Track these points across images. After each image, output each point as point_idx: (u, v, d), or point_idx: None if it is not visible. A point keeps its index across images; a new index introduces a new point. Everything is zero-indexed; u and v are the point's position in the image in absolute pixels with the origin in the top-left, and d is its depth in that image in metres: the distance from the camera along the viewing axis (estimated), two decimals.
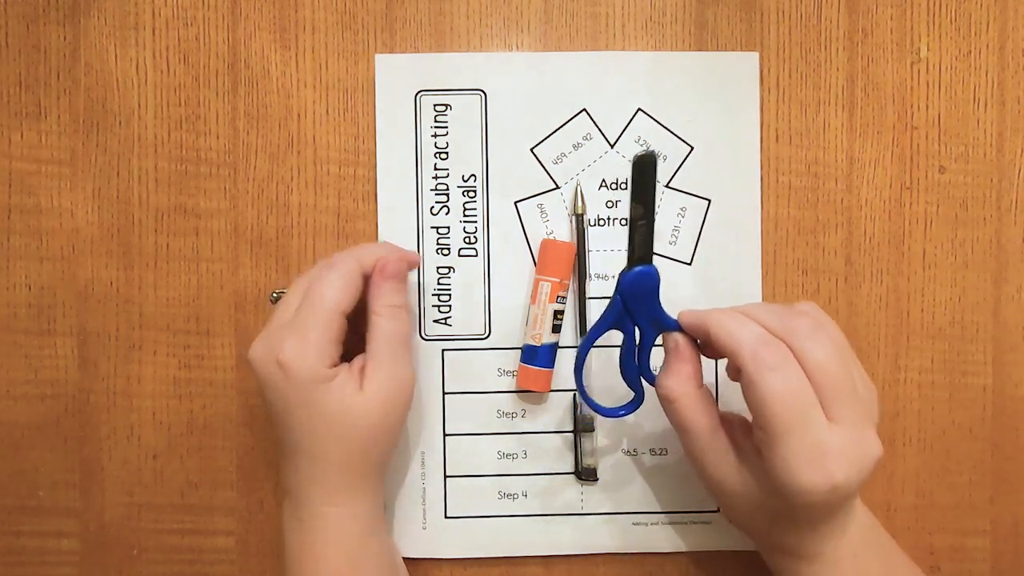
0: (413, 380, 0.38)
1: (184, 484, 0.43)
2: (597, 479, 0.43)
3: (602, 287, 0.43)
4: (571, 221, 0.43)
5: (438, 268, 0.43)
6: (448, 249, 0.43)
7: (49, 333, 0.43)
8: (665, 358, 0.37)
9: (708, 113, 0.43)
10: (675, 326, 0.37)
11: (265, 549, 0.44)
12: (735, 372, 0.35)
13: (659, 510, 0.43)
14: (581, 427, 0.43)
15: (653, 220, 0.38)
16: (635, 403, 0.39)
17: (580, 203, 0.42)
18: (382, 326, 0.37)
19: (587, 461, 0.43)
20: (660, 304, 0.37)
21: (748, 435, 0.36)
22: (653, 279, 0.37)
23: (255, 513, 0.44)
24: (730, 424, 0.37)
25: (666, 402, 0.37)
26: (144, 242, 0.43)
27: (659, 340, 0.38)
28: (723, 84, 0.43)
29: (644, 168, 0.38)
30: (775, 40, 0.43)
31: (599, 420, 0.43)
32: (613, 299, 0.38)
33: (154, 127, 0.43)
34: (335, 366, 0.36)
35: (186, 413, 0.43)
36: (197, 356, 0.43)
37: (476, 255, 0.43)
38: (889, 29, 0.44)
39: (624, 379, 0.39)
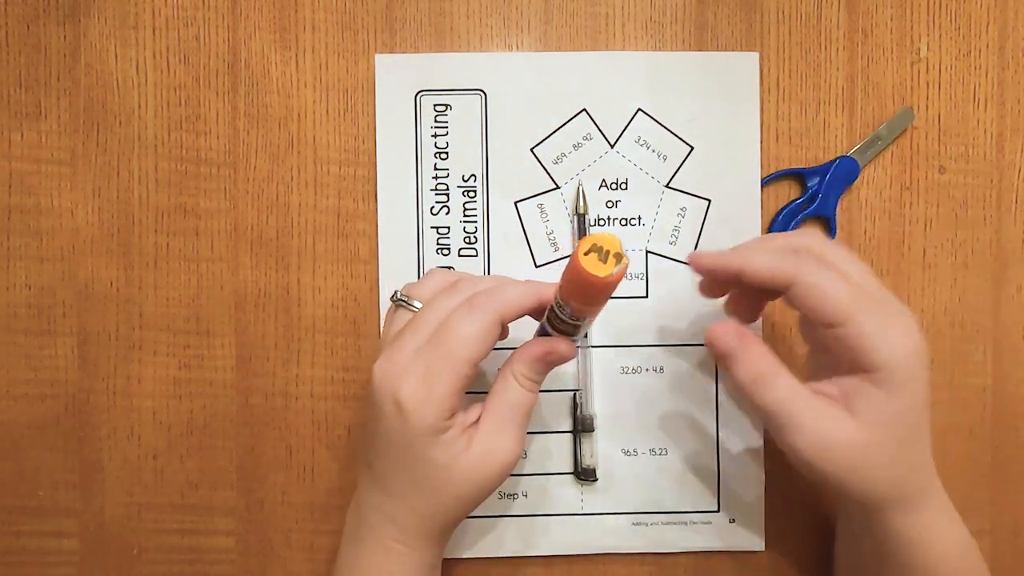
0: (519, 456, 0.36)
1: (184, 484, 0.43)
2: (596, 479, 0.43)
3: None
4: (573, 221, 0.43)
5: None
6: (448, 249, 0.43)
7: (49, 333, 0.43)
8: (729, 352, 0.35)
9: (708, 113, 0.43)
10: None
11: (265, 549, 0.44)
12: (774, 295, 0.37)
13: (659, 510, 0.43)
14: (581, 427, 0.43)
15: None
16: None
17: (582, 203, 0.42)
18: (515, 392, 0.35)
19: (587, 461, 0.43)
20: None
21: (827, 381, 0.35)
22: None
23: (255, 513, 0.44)
24: (811, 388, 0.35)
25: (765, 387, 0.34)
26: (144, 242, 0.43)
27: None
28: (723, 84, 0.43)
29: None
30: (775, 40, 0.43)
31: (599, 421, 0.43)
32: None
33: (154, 127, 0.43)
34: (452, 416, 0.34)
35: (186, 413, 0.43)
36: (197, 356, 0.43)
37: (476, 255, 0.43)
38: (889, 29, 0.44)
39: None
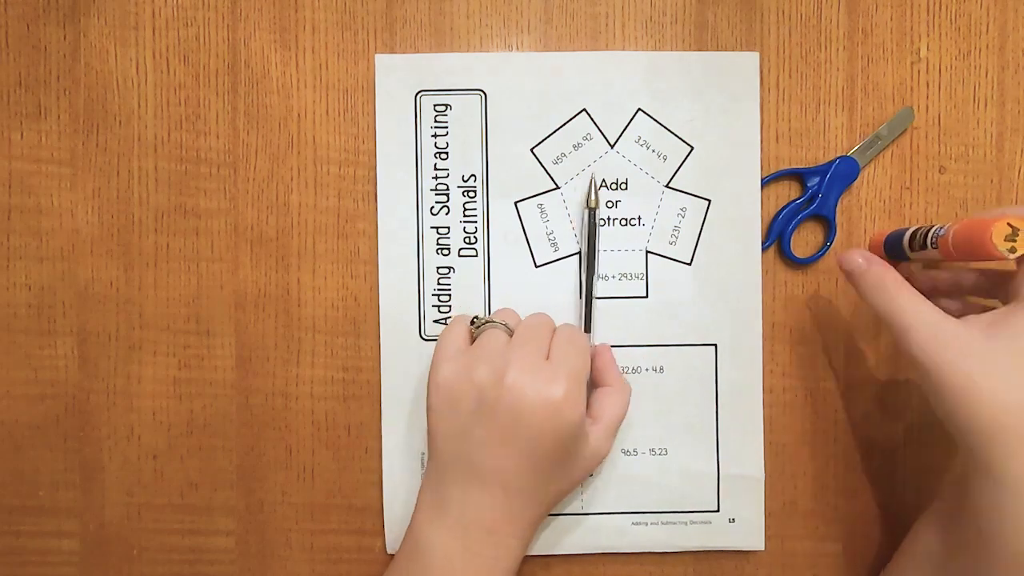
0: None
1: (184, 484, 0.43)
2: (591, 475, 0.43)
3: (600, 287, 0.43)
4: (583, 216, 0.43)
5: (438, 268, 0.43)
6: (448, 249, 0.43)
7: (49, 333, 0.43)
8: (849, 270, 0.38)
9: (709, 113, 0.43)
10: None
11: (265, 549, 0.44)
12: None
13: (658, 510, 0.43)
14: None
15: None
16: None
17: (593, 197, 0.42)
18: (623, 402, 0.41)
19: None
20: None
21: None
22: None
23: (255, 513, 0.44)
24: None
25: (907, 289, 0.36)
26: (144, 242, 0.43)
27: None
28: (724, 84, 0.43)
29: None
30: (775, 40, 0.43)
31: None
32: None
33: (154, 127, 0.43)
34: None
35: (186, 413, 0.43)
36: (197, 356, 0.43)
37: (476, 255, 0.43)
38: (889, 29, 0.44)
39: None
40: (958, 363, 0.33)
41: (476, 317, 0.40)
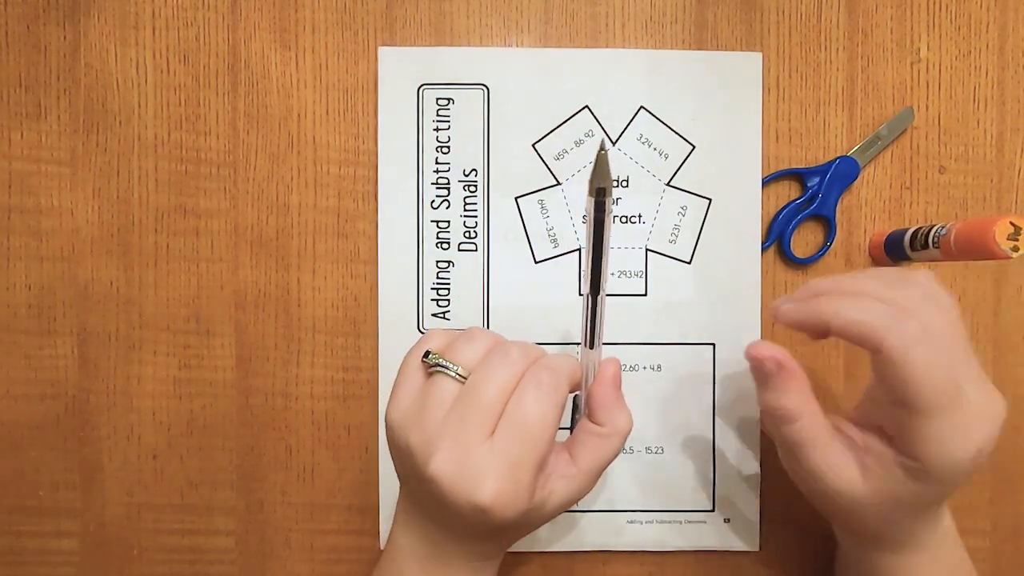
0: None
1: (184, 484, 0.43)
2: None
3: None
4: (590, 204, 0.31)
5: (437, 262, 0.43)
6: (448, 243, 0.43)
7: (49, 333, 0.43)
8: (763, 377, 0.34)
9: (710, 112, 0.43)
10: None
11: (265, 549, 0.44)
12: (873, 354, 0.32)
13: (654, 509, 0.43)
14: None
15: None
16: None
17: (602, 176, 0.30)
18: (611, 449, 0.34)
19: None
20: None
21: (864, 430, 0.34)
22: None
23: (255, 513, 0.44)
24: (838, 426, 0.35)
25: (785, 422, 0.34)
26: (144, 242, 0.43)
27: None
28: (726, 84, 0.43)
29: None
30: (775, 40, 0.43)
31: None
32: None
33: (154, 127, 0.43)
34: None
35: (186, 413, 0.43)
36: (197, 356, 0.43)
37: (476, 250, 0.43)
38: (889, 29, 0.44)
39: None
40: (836, 507, 0.34)
41: (427, 353, 0.33)
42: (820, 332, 0.34)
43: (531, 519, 0.33)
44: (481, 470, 0.30)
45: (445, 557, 0.35)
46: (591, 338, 0.35)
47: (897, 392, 0.31)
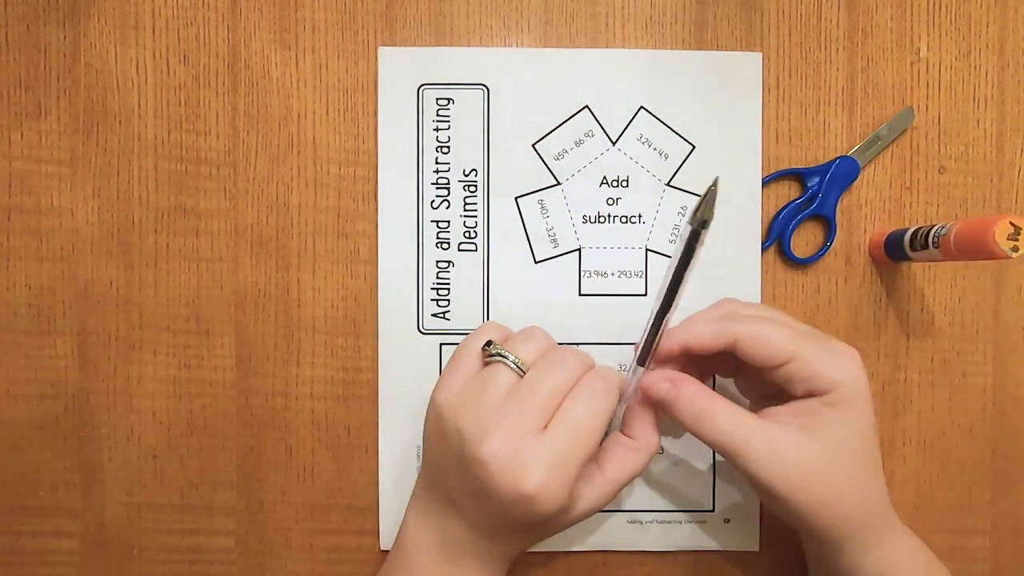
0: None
1: (184, 484, 0.43)
2: None
3: (599, 285, 0.43)
4: (686, 230, 0.33)
5: (437, 262, 0.43)
6: (448, 243, 0.43)
7: (49, 333, 0.43)
8: (660, 399, 0.36)
9: (711, 113, 0.43)
10: None
11: (265, 549, 0.44)
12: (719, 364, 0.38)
13: (654, 509, 0.43)
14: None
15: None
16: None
17: (708, 209, 0.32)
18: (638, 464, 0.36)
19: None
20: None
21: (766, 409, 0.36)
22: None
23: (255, 513, 0.44)
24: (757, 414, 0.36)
25: (701, 424, 0.35)
26: (144, 242, 0.43)
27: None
28: (726, 84, 0.43)
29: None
30: (775, 40, 0.43)
31: None
32: None
33: (154, 127, 0.43)
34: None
35: (186, 413, 0.43)
36: (197, 356, 0.43)
37: (476, 250, 0.43)
38: (889, 29, 0.44)
39: None
40: (800, 484, 0.34)
41: (489, 343, 0.36)
42: (682, 357, 0.37)
43: (559, 520, 0.35)
44: (532, 460, 0.32)
45: (458, 556, 0.35)
46: (646, 355, 0.36)
47: (768, 357, 0.34)
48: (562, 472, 0.32)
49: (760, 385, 0.38)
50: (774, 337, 0.34)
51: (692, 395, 0.35)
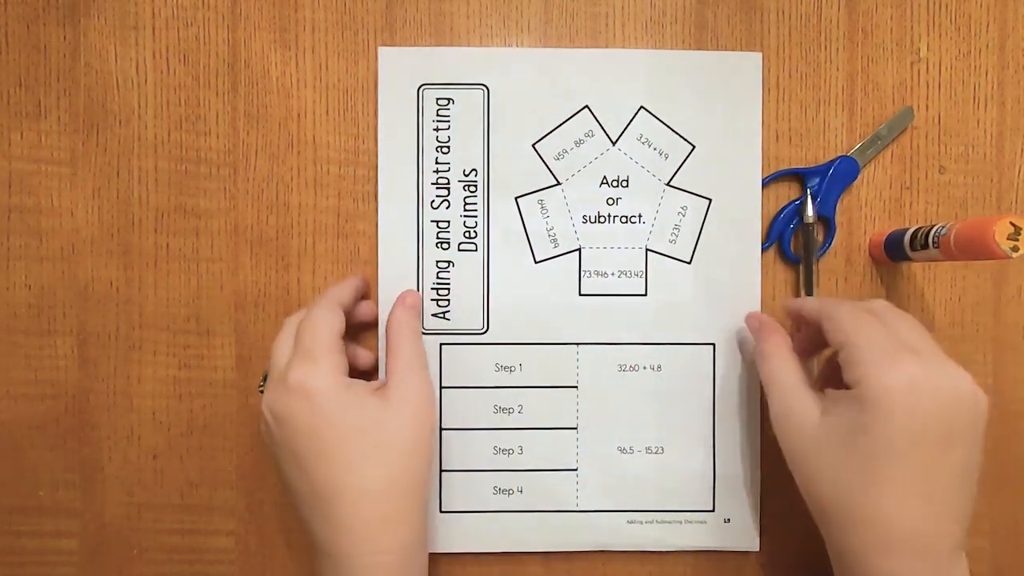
0: (435, 398, 0.39)
1: (184, 484, 0.43)
2: (585, 472, 0.43)
3: (599, 284, 0.43)
4: (803, 229, 0.43)
5: (437, 262, 0.43)
6: (448, 243, 0.43)
7: (49, 333, 0.43)
8: (753, 333, 0.41)
9: (711, 112, 0.43)
10: None
11: (265, 549, 0.44)
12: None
13: (654, 509, 0.43)
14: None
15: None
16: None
17: (810, 213, 0.43)
18: (403, 347, 0.39)
19: None
20: None
21: (827, 384, 0.37)
22: None
23: (255, 513, 0.44)
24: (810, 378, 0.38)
25: (760, 361, 0.39)
26: (144, 242, 0.43)
27: None
28: (726, 83, 0.43)
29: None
30: (775, 40, 0.43)
31: (595, 418, 0.43)
32: None
33: (154, 127, 0.43)
34: (346, 375, 0.37)
35: (186, 413, 0.43)
36: (197, 356, 0.43)
37: (476, 250, 0.43)
38: (889, 29, 0.44)
39: None
40: (796, 441, 0.36)
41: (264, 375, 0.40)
42: (798, 321, 0.40)
43: (383, 414, 0.36)
44: (287, 372, 0.36)
45: (365, 536, 0.36)
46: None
47: (829, 336, 0.36)
48: (311, 354, 0.36)
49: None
50: (839, 319, 0.35)
51: (768, 337, 0.39)
